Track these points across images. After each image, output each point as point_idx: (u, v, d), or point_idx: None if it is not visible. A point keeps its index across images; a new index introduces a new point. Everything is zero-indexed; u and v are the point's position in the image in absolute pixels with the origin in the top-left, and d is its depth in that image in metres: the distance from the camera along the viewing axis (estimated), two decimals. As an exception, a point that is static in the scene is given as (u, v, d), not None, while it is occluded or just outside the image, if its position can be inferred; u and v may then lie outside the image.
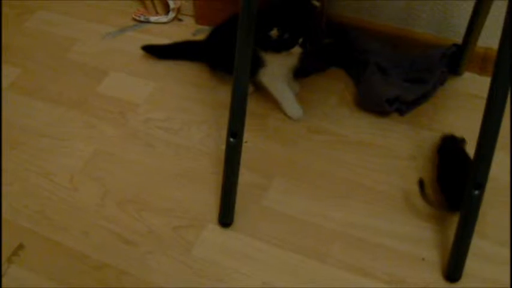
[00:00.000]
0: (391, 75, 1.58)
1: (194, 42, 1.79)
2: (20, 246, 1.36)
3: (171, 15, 1.90)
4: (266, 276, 1.26)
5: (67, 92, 1.72)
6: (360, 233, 1.32)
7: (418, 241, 1.30)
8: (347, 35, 1.67)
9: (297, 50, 1.44)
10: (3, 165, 1.53)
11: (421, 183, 1.32)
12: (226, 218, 1.36)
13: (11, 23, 1.99)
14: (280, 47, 1.42)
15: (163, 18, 1.91)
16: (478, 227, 1.19)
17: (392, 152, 1.47)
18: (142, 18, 1.92)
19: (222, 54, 1.57)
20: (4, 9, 2.05)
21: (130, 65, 1.79)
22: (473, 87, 1.60)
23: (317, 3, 1.45)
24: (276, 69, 1.51)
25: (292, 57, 1.49)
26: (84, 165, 1.51)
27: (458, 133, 1.45)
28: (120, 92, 1.70)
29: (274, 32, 1.38)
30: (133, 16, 1.93)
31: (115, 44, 1.87)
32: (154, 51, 1.79)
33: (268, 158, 1.49)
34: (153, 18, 1.91)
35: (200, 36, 1.79)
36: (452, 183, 1.32)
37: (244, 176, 1.42)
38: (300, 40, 1.41)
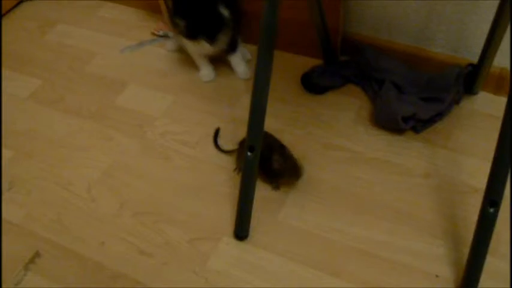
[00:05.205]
0: (407, 94, 1.59)
1: None
2: (37, 254, 1.37)
3: (190, 30, 1.93)
4: (280, 290, 1.27)
5: (86, 104, 1.74)
6: (375, 249, 1.33)
7: (433, 258, 1.30)
8: (364, 53, 1.68)
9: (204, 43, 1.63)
10: (21, 174, 1.56)
11: (217, 132, 1.59)
12: (241, 231, 1.37)
13: (32, 36, 2.03)
14: (184, 34, 1.64)
15: (181, 33, 1.94)
16: (493, 245, 1.19)
17: (407, 170, 1.48)
18: (161, 33, 1.95)
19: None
20: (25, 22, 2.09)
21: (149, 78, 1.81)
22: (488, 106, 1.61)
23: (225, 12, 1.60)
24: (194, 49, 1.73)
25: (206, 46, 1.64)
26: (101, 176, 1.53)
27: (472, 151, 1.47)
28: (138, 105, 1.72)
29: (178, 20, 1.60)
30: (153, 31, 1.96)
31: (134, 57, 1.90)
32: None
33: (284, 173, 1.50)
34: (171, 33, 1.94)
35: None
36: None
37: (260, 190, 1.43)
38: (202, 37, 1.61)
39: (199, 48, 1.69)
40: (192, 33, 1.63)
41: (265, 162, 1.38)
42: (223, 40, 1.66)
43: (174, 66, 1.84)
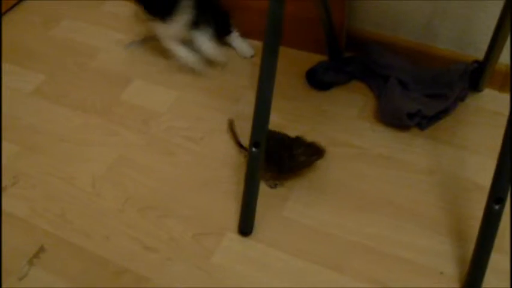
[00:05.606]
0: (412, 90, 1.59)
1: None
2: (41, 249, 1.38)
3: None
4: (284, 286, 1.27)
5: (90, 99, 1.74)
6: (379, 245, 1.33)
7: (437, 255, 1.30)
8: (369, 49, 1.68)
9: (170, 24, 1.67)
10: (26, 169, 1.56)
11: (231, 123, 1.59)
12: (246, 227, 1.37)
13: (37, 31, 2.03)
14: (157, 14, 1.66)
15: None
16: (498, 242, 1.19)
17: (411, 166, 1.48)
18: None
19: None
20: (30, 17, 2.09)
21: (153, 73, 1.81)
22: (493, 104, 1.60)
23: None
24: (164, 34, 1.74)
25: (171, 27, 1.68)
26: (106, 171, 1.53)
27: (477, 148, 1.47)
28: (143, 100, 1.72)
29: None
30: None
31: (138, 52, 1.90)
32: None
33: (288, 169, 1.50)
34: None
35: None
36: None
37: (265, 186, 1.44)
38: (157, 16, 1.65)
39: (168, 31, 1.70)
40: (149, 12, 1.65)
41: (281, 159, 1.38)
42: (184, 19, 1.66)
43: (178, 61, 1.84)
